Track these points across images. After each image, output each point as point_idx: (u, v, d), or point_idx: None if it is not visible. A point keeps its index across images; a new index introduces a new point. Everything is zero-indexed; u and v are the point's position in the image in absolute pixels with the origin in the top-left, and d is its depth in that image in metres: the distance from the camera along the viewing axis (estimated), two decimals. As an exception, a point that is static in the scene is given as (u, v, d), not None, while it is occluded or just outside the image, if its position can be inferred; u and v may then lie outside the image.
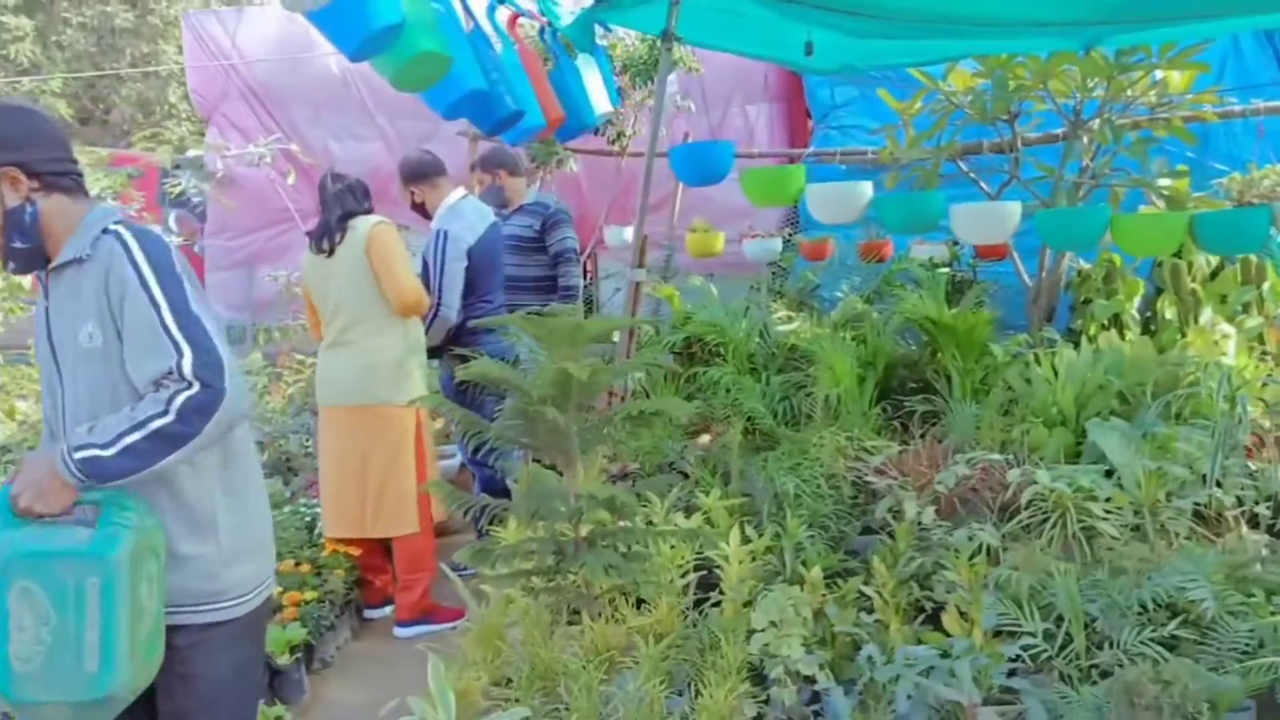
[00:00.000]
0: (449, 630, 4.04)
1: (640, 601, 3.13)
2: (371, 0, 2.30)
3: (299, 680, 3.56)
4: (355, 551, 4.25)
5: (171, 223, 7.66)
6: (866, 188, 4.15)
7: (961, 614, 2.80)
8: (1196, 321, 4.79)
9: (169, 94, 17.34)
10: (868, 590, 2.98)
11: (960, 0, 3.34)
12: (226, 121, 8.39)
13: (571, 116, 3.80)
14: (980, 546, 2.99)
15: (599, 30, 4.17)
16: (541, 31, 3.92)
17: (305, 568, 4.06)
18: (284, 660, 3.47)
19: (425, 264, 4.61)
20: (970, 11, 3.46)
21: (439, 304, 4.51)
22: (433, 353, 4.60)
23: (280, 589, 3.86)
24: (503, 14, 3.70)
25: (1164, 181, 4.62)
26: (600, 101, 3.95)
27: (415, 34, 2.47)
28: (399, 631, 4.22)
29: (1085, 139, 4.71)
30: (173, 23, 17.28)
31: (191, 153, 8.71)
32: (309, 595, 3.86)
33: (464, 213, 4.66)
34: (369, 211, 4.21)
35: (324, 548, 4.26)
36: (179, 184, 7.48)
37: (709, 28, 4.05)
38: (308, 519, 4.64)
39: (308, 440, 5.89)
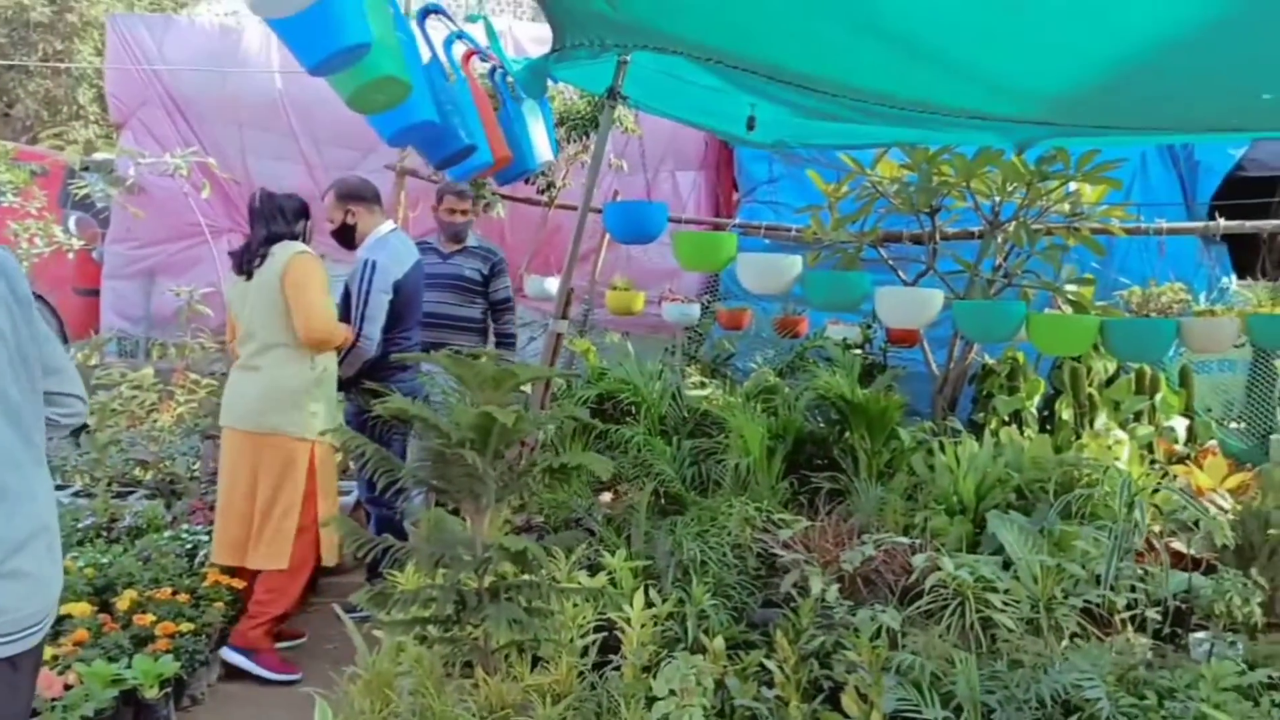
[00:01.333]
0: (268, 678, 3.90)
1: (536, 659, 3.06)
2: (343, 17, 2.25)
3: (166, 716, 3.35)
4: (239, 584, 4.06)
5: (71, 225, 7.34)
6: (796, 261, 4.22)
7: (861, 695, 2.80)
8: (1091, 425, 4.97)
9: (78, 95, 16.81)
10: (769, 664, 2.96)
11: (907, 84, 3.43)
12: (143, 128, 8.13)
13: (515, 160, 3.79)
14: (880, 628, 3.00)
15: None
16: (492, 72, 3.91)
17: (183, 597, 3.86)
18: (152, 694, 3.27)
19: (347, 292, 4.50)
20: (915, 95, 3.55)
21: (359, 334, 4.39)
22: (343, 385, 4.47)
23: (154, 618, 3.66)
24: (458, 49, 3.68)
25: (1071, 287, 4.82)
26: (542, 149, 3.95)
27: (380, 57, 2.43)
28: (224, 652, 3.95)
29: (1000, 239, 4.88)
30: (91, 23, 16.81)
31: (101, 156, 8.39)
32: (184, 626, 3.66)
33: (392, 245, 4.58)
34: (296, 236, 4.10)
35: (204, 577, 4.06)
36: (85, 186, 7.18)
37: (654, 91, 4.09)
38: (189, 545, 4.42)
39: (194, 463, 5.66)
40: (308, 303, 3.95)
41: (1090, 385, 5.14)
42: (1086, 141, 4.20)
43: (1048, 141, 4.20)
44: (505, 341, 5.51)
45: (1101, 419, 5.00)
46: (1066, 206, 4.83)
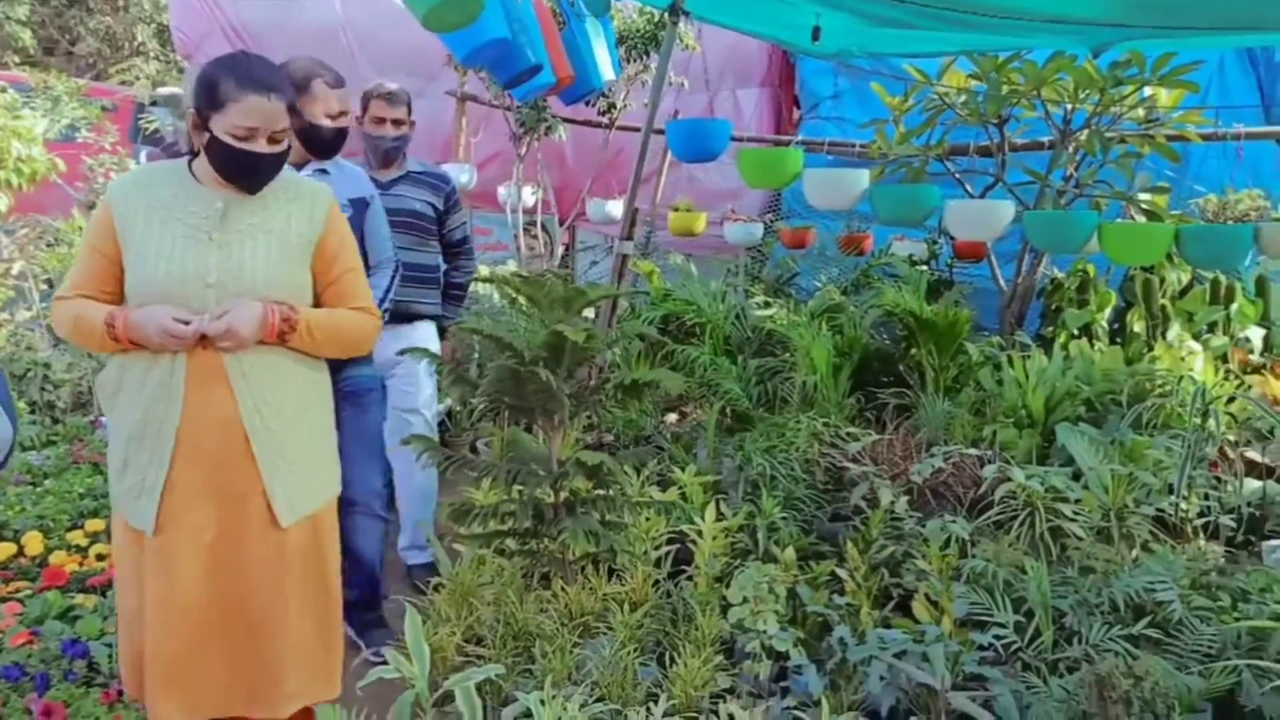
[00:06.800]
0: None
1: (612, 570, 3.15)
2: (417, -61, 2.27)
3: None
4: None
5: (143, 159, 7.49)
6: (864, 176, 4.18)
7: (931, 602, 2.85)
8: (1164, 337, 4.89)
9: (138, 31, 16.96)
10: (840, 573, 3.02)
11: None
12: (208, 61, 8.22)
13: (579, 79, 3.79)
14: (950, 538, 3.04)
15: (610, -1, 4.15)
16: (558, -10, 3.90)
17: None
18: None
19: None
20: (991, 1, 3.45)
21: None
22: None
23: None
24: (524, -34, 3.67)
25: (1145, 196, 4.71)
26: (605, 68, 3.94)
27: (453, -26, 2.46)
28: None
29: (1072, 148, 4.78)
30: (148, -43, 16.91)
31: (167, 90, 8.52)
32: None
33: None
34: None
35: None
36: (155, 120, 7.31)
37: (717, 5, 4.04)
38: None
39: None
40: None
41: (1163, 297, 5.05)
42: (1163, 43, 4.07)
43: (1123, 44, 4.07)
44: (455, 293, 4.13)
45: (1175, 330, 4.92)
46: (1141, 112, 4.71)
